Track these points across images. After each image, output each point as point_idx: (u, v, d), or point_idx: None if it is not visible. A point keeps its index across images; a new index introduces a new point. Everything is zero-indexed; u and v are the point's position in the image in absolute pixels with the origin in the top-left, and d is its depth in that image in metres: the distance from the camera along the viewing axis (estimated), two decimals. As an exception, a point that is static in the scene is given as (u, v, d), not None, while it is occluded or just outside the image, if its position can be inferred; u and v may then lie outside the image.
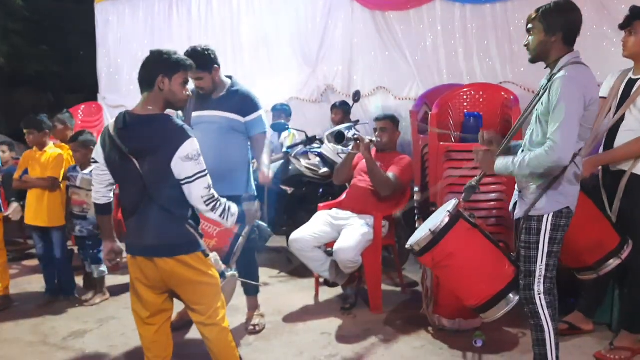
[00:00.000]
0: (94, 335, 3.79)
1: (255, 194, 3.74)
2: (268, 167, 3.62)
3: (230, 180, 3.49)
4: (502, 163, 2.65)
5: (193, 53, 3.35)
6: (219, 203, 2.57)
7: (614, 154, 3.13)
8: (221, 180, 3.26)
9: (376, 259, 3.97)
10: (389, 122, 4.35)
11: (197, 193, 2.49)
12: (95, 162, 2.66)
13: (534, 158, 2.48)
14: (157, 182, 2.48)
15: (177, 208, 2.53)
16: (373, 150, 4.19)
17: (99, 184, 2.71)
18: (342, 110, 5.46)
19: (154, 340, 2.71)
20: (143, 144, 2.48)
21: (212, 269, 2.67)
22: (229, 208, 2.64)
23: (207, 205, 2.52)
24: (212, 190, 2.54)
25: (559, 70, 2.52)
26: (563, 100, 2.42)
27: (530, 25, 2.62)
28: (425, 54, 5.43)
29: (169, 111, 2.70)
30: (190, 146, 2.46)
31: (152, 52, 2.59)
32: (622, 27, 3.19)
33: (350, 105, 5.46)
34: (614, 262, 2.92)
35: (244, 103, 3.58)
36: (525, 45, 2.68)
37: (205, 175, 2.51)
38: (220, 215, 2.61)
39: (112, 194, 2.77)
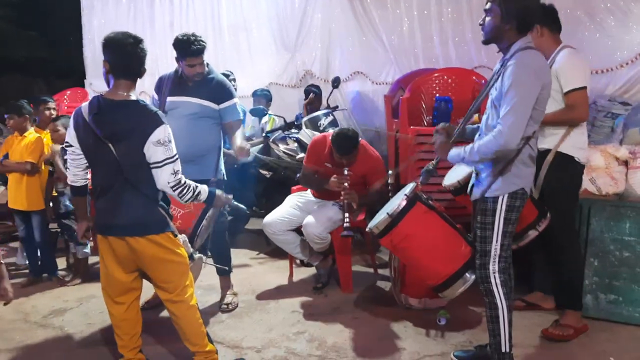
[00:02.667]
0: (73, 313, 3.92)
1: (225, 178, 3.82)
2: (243, 142, 3.66)
3: (200, 164, 3.58)
4: (455, 152, 2.74)
5: (201, 40, 3.52)
6: (185, 188, 2.66)
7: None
8: (191, 164, 3.37)
9: (345, 239, 4.03)
10: (354, 152, 3.94)
11: (164, 178, 2.59)
12: (70, 145, 2.74)
13: (483, 145, 2.56)
14: (131, 165, 2.58)
15: (150, 190, 2.64)
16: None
17: (75, 167, 2.80)
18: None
19: (124, 318, 2.83)
20: (118, 128, 2.56)
21: (181, 248, 2.78)
22: (198, 193, 2.74)
23: (173, 190, 2.63)
24: (180, 176, 2.63)
25: (511, 56, 2.57)
26: (514, 86, 2.48)
27: (488, 6, 2.62)
28: (402, 39, 5.49)
29: (145, 96, 2.76)
30: (163, 132, 2.56)
31: (141, 45, 2.64)
32: None
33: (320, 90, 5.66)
34: (532, 234, 3.06)
35: (218, 91, 3.66)
36: (480, 25, 2.70)
37: (174, 161, 2.60)
38: (188, 201, 2.71)
39: (88, 176, 2.86)
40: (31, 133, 4.59)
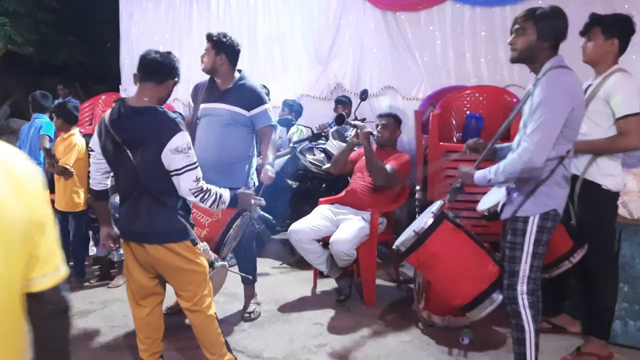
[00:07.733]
0: (97, 315, 3.97)
1: (255, 185, 3.81)
2: (272, 165, 3.64)
3: (230, 173, 3.57)
4: (480, 174, 2.69)
5: (220, 34, 3.59)
6: (207, 194, 2.64)
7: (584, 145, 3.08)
8: (221, 173, 3.39)
9: (371, 254, 4.05)
10: (390, 119, 4.41)
11: (185, 185, 2.57)
12: (92, 150, 2.78)
13: (508, 163, 2.52)
14: (148, 173, 2.57)
15: (168, 198, 2.63)
16: (374, 146, 4.26)
17: (96, 172, 2.84)
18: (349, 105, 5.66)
19: (146, 322, 2.85)
20: (135, 135, 2.56)
21: (201, 257, 2.76)
22: (220, 197, 2.71)
23: (195, 197, 2.61)
24: (201, 183, 2.62)
25: (543, 75, 2.54)
26: (542, 104, 2.44)
27: (518, 26, 2.59)
28: (434, 55, 5.49)
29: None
30: (180, 139, 2.53)
31: (171, 55, 2.70)
32: (581, 33, 3.14)
33: (350, 101, 5.66)
34: (565, 265, 3.00)
35: (249, 97, 3.66)
36: (510, 44, 2.65)
37: (195, 168, 2.58)
38: (211, 206, 2.70)
39: (108, 181, 2.89)
40: (72, 135, 4.62)
